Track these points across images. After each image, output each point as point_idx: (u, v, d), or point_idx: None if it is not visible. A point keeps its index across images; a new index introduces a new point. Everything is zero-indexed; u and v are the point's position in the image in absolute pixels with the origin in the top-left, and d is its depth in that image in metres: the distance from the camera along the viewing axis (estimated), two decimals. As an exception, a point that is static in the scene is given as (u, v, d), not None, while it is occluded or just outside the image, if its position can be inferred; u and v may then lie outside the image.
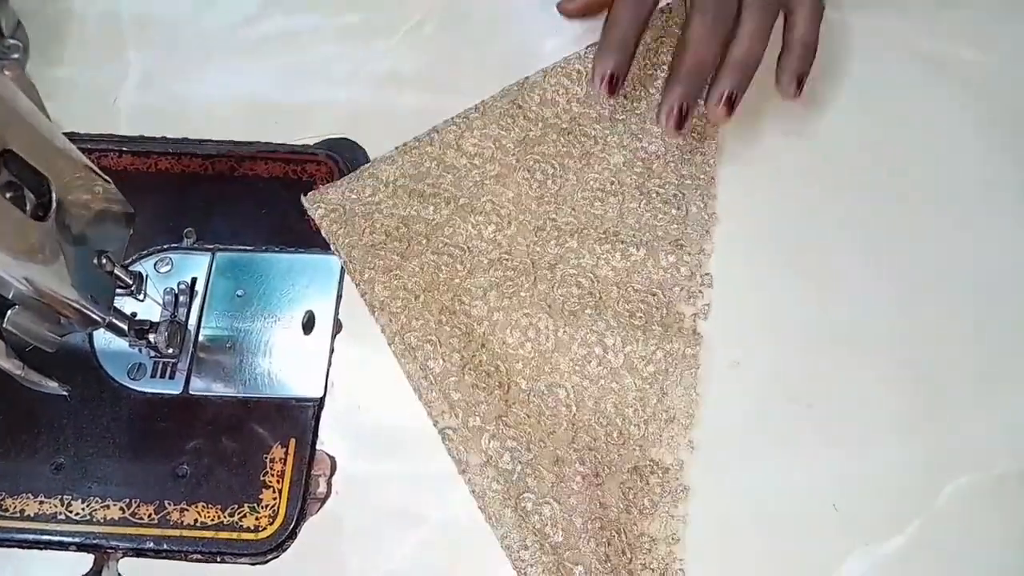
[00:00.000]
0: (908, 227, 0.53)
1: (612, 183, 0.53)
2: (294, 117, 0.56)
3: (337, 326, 0.50)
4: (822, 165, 0.54)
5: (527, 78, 0.56)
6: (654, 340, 0.49)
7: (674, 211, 0.52)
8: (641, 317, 0.49)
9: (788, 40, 0.51)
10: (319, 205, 0.52)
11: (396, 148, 0.54)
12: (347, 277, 0.51)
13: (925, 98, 0.57)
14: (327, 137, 0.55)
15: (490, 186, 0.53)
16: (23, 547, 0.45)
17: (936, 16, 0.59)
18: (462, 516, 0.45)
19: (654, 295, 0.50)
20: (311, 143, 0.55)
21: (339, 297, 0.51)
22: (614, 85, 0.50)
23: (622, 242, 0.51)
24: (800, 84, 0.51)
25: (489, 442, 0.46)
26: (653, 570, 0.44)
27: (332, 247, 0.51)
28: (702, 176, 0.54)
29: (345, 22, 0.60)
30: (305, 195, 0.52)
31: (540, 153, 0.54)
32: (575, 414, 0.47)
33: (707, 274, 0.51)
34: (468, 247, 0.51)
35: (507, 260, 0.51)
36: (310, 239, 0.52)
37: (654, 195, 0.53)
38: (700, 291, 0.50)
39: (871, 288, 0.51)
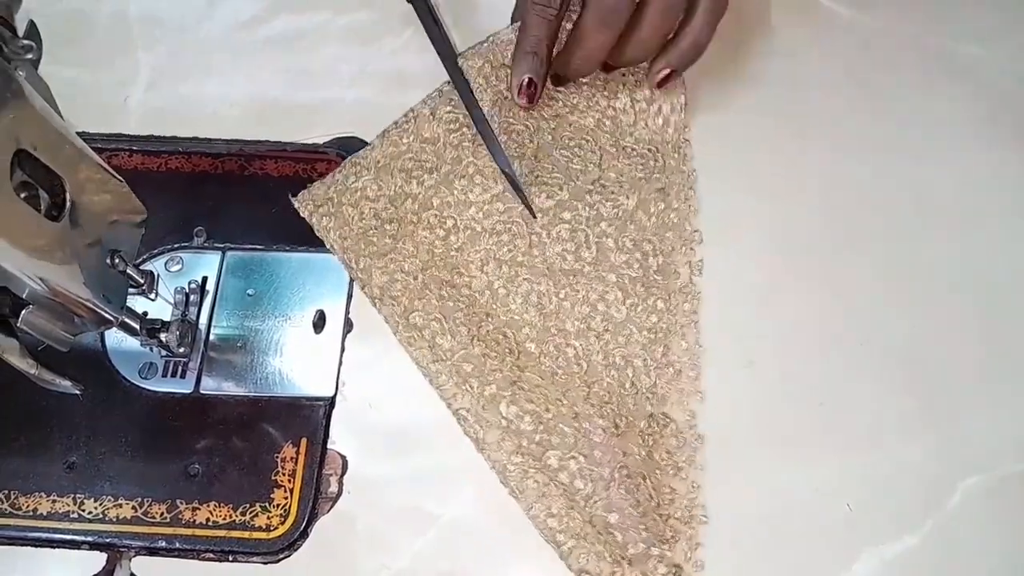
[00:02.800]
0: (915, 226, 0.52)
1: (587, 141, 0.54)
2: (303, 116, 0.56)
3: (348, 325, 0.50)
4: (828, 164, 0.54)
5: (491, 41, 0.55)
6: (655, 291, 0.49)
7: (652, 163, 0.53)
8: (638, 268, 0.50)
9: (680, 34, 0.50)
10: (307, 203, 0.52)
11: (376, 136, 0.54)
12: (357, 276, 0.51)
13: (931, 95, 0.57)
14: (336, 136, 0.55)
15: (469, 148, 0.52)
16: (36, 545, 0.45)
17: (942, 13, 0.59)
18: (473, 514, 0.45)
19: (649, 243, 0.50)
20: (320, 142, 0.55)
21: (349, 296, 0.51)
22: (532, 92, 0.52)
23: (612, 192, 0.52)
24: (670, 78, 0.51)
25: (508, 408, 0.46)
26: (679, 518, 0.45)
27: (326, 243, 0.51)
28: (671, 130, 0.54)
29: (353, 21, 0.60)
30: (292, 195, 0.52)
31: (513, 115, 0.54)
32: (586, 370, 0.48)
33: (696, 231, 0.52)
34: (458, 217, 0.51)
35: (500, 226, 0.51)
36: (320, 239, 0.52)
37: (631, 150, 0.54)
38: (692, 243, 0.51)
39: (880, 288, 0.51)
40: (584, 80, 0.55)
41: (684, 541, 0.44)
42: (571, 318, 0.49)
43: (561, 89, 0.55)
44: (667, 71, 0.51)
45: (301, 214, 0.52)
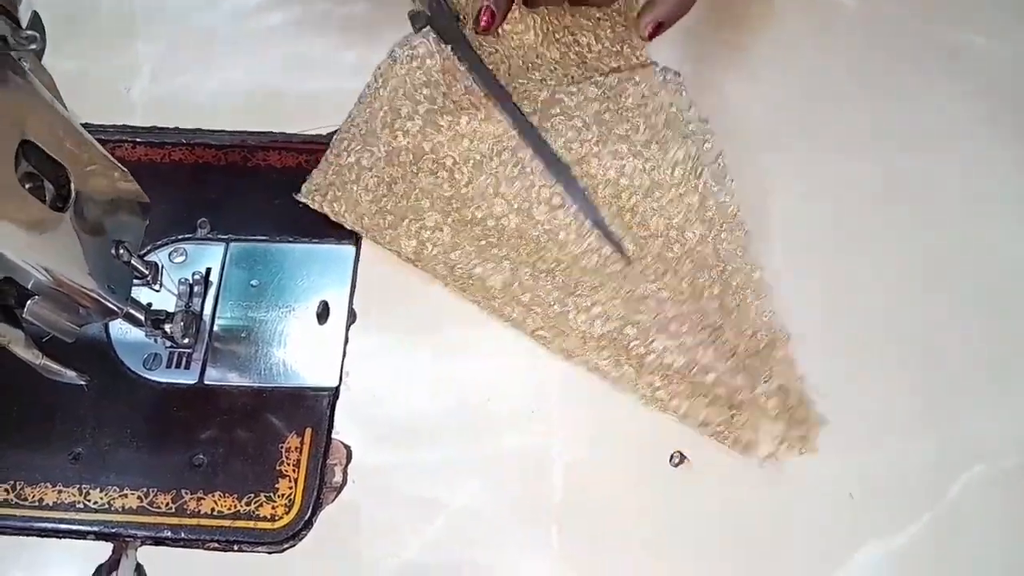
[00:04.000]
0: (919, 217, 0.52)
1: (554, 70, 0.55)
2: (306, 107, 0.56)
3: (351, 315, 0.50)
4: (834, 155, 0.54)
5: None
6: (669, 145, 0.50)
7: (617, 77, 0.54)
8: (645, 130, 0.51)
9: None
10: (313, 194, 0.52)
11: (353, 106, 0.54)
12: (360, 267, 0.51)
13: (938, 86, 0.56)
14: (339, 126, 0.55)
15: (440, 82, 0.52)
16: (42, 536, 0.45)
17: (949, 4, 0.59)
18: (478, 504, 0.46)
19: (648, 104, 0.52)
20: (323, 132, 0.55)
21: (353, 287, 0.51)
22: (490, 18, 0.52)
23: (590, 75, 0.53)
24: (658, 30, 0.52)
25: (577, 317, 0.47)
26: (765, 348, 0.47)
27: (348, 227, 0.51)
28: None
29: (353, 11, 0.60)
30: (296, 193, 0.52)
31: (480, 45, 0.54)
32: (633, 252, 0.49)
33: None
34: (455, 154, 0.51)
35: (497, 146, 0.51)
36: (324, 229, 0.52)
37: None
38: (682, 89, 0.53)
39: (885, 282, 0.51)
40: (552, 13, 0.56)
41: (779, 365, 0.46)
42: (599, 205, 0.50)
43: (528, 21, 0.55)
44: (655, 24, 0.51)
45: (311, 207, 0.52)
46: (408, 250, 0.50)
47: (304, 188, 0.52)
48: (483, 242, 0.49)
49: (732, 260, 0.49)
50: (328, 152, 0.53)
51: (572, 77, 0.54)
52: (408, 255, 0.50)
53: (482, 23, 0.52)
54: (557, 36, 0.55)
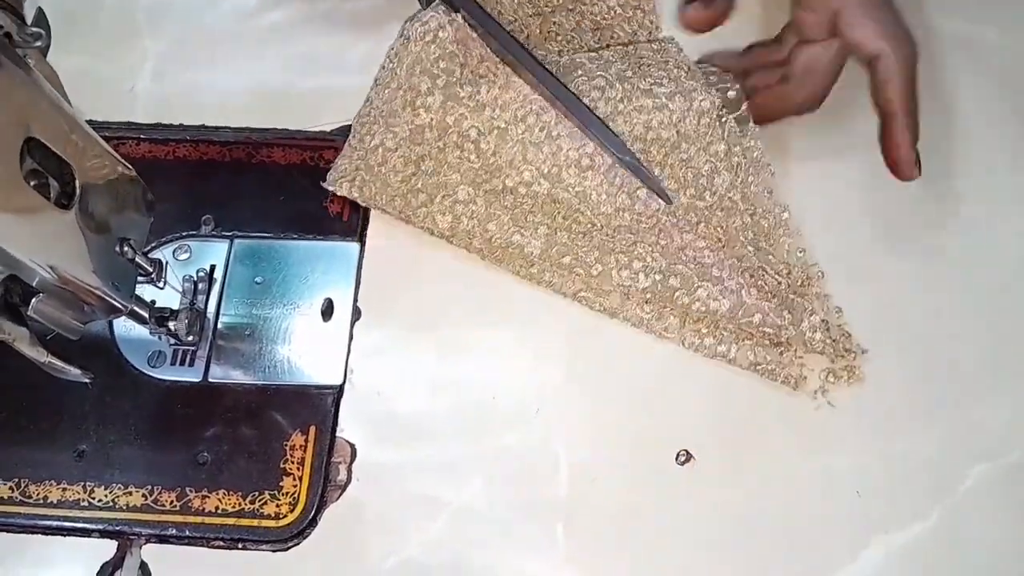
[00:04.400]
0: (928, 211, 0.52)
1: (572, 40, 0.56)
2: (310, 103, 0.56)
3: (356, 313, 0.50)
4: (841, 147, 0.54)
5: None
6: (694, 95, 0.50)
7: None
8: (669, 83, 0.51)
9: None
10: (341, 181, 0.51)
11: (370, 90, 0.54)
12: (365, 264, 0.51)
13: (949, 78, 0.56)
14: (343, 123, 0.55)
15: (456, 54, 0.51)
16: (47, 534, 0.45)
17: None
18: (482, 502, 0.45)
19: (670, 60, 0.52)
20: (327, 129, 0.55)
21: (358, 284, 0.51)
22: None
23: (607, 40, 0.55)
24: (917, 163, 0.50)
25: (620, 274, 0.48)
26: (804, 284, 0.48)
27: (379, 209, 0.51)
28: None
29: (358, 7, 0.60)
30: (324, 182, 0.52)
31: (498, 12, 0.54)
32: (664, 206, 0.50)
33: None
34: (479, 124, 0.51)
35: (520, 112, 0.51)
36: (328, 226, 0.52)
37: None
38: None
39: (891, 276, 0.50)
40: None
41: (816, 300, 0.48)
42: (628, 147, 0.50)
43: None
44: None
45: (339, 193, 0.51)
46: (444, 225, 0.50)
47: (330, 176, 0.52)
48: (517, 210, 0.50)
49: (760, 202, 0.50)
50: (350, 138, 0.52)
51: (588, 47, 0.54)
52: (443, 231, 0.50)
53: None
54: (569, 8, 0.56)
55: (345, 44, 0.58)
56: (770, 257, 0.49)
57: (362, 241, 0.52)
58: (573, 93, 0.50)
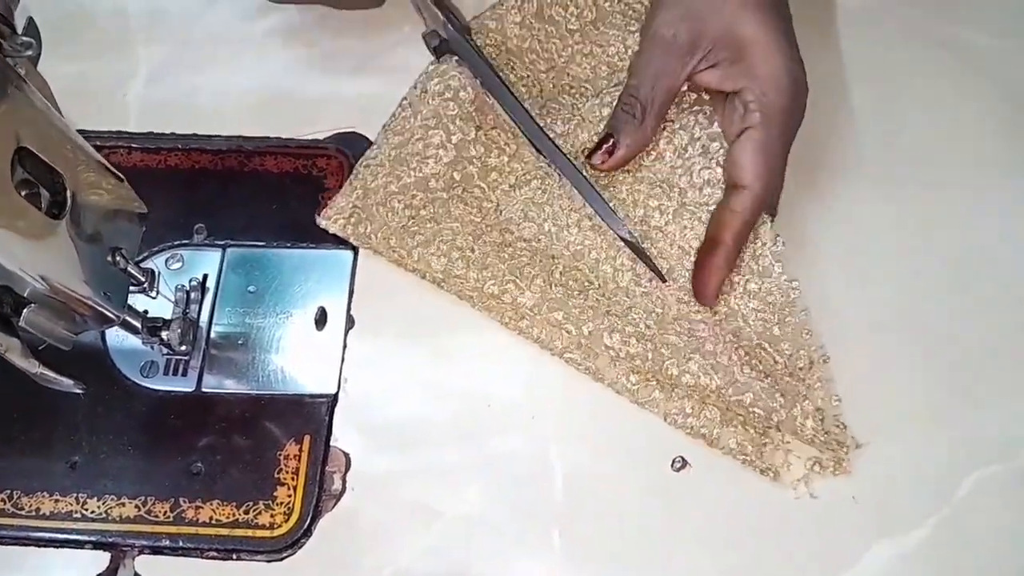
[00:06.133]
0: (926, 214, 0.52)
1: (587, 88, 0.55)
2: (303, 111, 0.56)
3: (349, 321, 0.50)
4: (837, 151, 0.54)
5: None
6: (695, 168, 0.50)
7: None
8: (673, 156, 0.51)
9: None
10: (336, 218, 0.51)
11: (378, 134, 0.54)
12: (358, 272, 0.51)
13: (941, 84, 0.56)
14: (336, 131, 0.55)
15: (472, 115, 0.52)
16: (39, 546, 0.45)
17: (952, 2, 0.59)
18: (478, 511, 0.45)
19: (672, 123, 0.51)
20: (320, 137, 0.55)
21: (351, 292, 0.51)
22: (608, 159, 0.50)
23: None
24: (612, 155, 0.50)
25: (610, 337, 0.47)
26: (803, 368, 0.47)
27: (366, 248, 0.51)
28: None
29: (352, 14, 0.60)
30: (319, 214, 0.51)
31: (511, 68, 0.54)
32: (665, 271, 0.49)
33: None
34: (484, 184, 0.51)
35: (525, 177, 0.52)
36: (321, 234, 0.51)
37: None
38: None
39: (894, 280, 0.50)
40: (575, 30, 0.56)
41: (817, 386, 0.46)
42: (628, 223, 0.50)
43: (555, 41, 0.56)
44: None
45: (331, 231, 0.51)
46: (437, 268, 0.49)
47: (325, 212, 0.51)
48: (514, 261, 0.49)
49: (768, 276, 0.48)
50: (352, 178, 0.52)
51: (601, 94, 0.53)
52: (436, 273, 0.49)
53: (598, 159, 0.50)
54: (584, 53, 0.55)
55: (337, 52, 0.58)
56: (775, 332, 0.47)
57: (355, 249, 0.51)
58: (578, 169, 0.50)
